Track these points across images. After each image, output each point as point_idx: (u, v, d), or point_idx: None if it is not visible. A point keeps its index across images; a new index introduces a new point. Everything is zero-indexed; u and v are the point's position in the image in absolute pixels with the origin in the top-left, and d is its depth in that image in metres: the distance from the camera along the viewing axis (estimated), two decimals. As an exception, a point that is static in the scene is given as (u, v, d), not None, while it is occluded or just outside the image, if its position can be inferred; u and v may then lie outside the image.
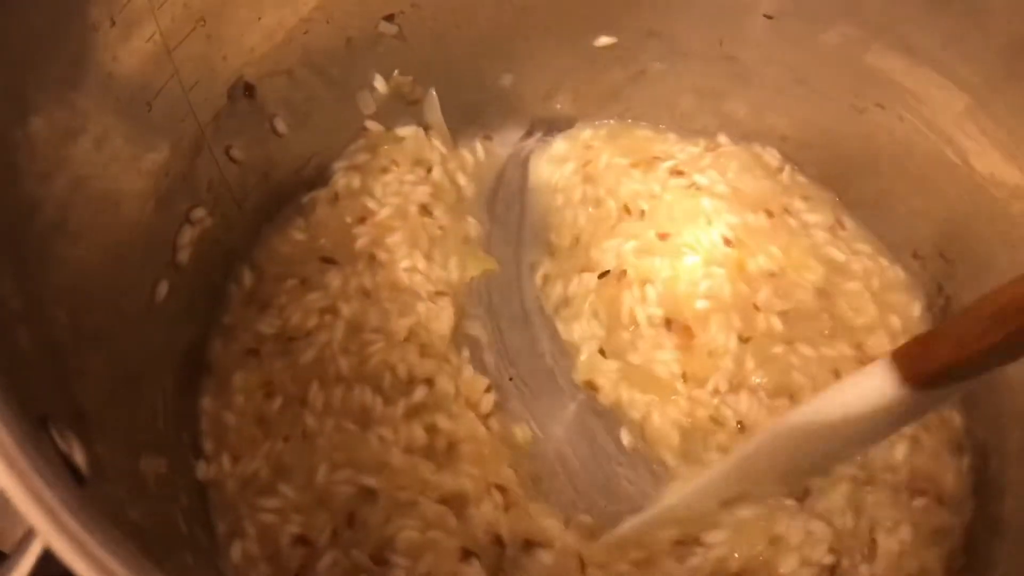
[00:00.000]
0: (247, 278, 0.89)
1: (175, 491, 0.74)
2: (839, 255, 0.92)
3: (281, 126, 0.90)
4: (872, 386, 0.62)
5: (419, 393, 0.83)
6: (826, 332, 0.88)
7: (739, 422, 0.84)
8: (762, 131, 0.98)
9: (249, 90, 0.85)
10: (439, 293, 0.89)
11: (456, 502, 0.78)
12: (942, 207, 0.87)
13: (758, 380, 0.85)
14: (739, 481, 0.76)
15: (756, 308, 0.88)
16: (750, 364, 0.86)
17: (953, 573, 0.80)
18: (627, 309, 0.89)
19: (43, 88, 0.62)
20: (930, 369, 0.59)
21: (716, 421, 0.84)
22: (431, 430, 0.82)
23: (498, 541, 0.77)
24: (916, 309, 0.90)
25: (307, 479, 0.78)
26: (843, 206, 0.96)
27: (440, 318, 0.87)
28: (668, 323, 0.88)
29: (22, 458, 0.43)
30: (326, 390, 0.82)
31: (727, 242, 0.90)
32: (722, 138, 1.00)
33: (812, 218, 0.94)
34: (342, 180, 0.94)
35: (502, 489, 0.80)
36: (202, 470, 0.79)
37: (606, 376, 0.89)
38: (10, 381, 0.47)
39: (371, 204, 0.92)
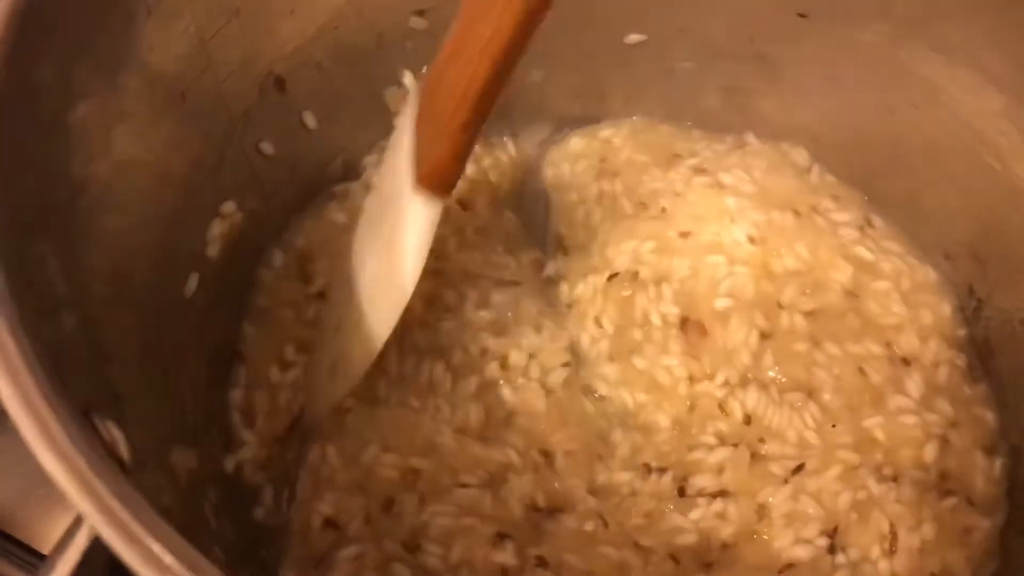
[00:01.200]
0: (280, 259, 0.89)
1: (204, 485, 0.74)
2: (868, 254, 0.90)
3: (310, 121, 0.89)
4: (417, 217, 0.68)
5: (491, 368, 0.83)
6: (854, 330, 0.87)
7: (746, 415, 0.82)
8: (792, 130, 0.97)
9: (280, 84, 0.84)
10: (512, 281, 0.89)
11: (498, 477, 0.78)
12: (975, 207, 0.87)
13: (773, 375, 0.84)
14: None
15: (780, 306, 0.87)
16: (768, 359, 0.85)
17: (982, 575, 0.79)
18: (640, 309, 0.88)
19: (85, 75, 0.62)
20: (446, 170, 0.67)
21: (722, 409, 0.83)
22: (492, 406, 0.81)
23: (535, 508, 0.77)
24: (947, 309, 0.89)
25: (354, 458, 0.78)
26: (873, 205, 0.95)
27: (520, 302, 0.87)
28: (684, 322, 0.86)
29: (70, 446, 0.43)
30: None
31: (751, 240, 0.89)
32: (749, 136, 0.99)
33: (841, 217, 0.93)
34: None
35: (546, 455, 0.80)
36: (231, 462, 0.79)
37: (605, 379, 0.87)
38: (56, 368, 0.46)
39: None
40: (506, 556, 0.74)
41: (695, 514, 0.77)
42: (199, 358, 0.80)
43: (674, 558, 0.75)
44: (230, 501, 0.77)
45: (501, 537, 0.75)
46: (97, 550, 0.44)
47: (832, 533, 0.76)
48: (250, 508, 0.80)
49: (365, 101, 0.93)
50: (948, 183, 0.88)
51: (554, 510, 0.77)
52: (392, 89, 0.95)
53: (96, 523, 0.41)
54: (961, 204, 0.88)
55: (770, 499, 0.77)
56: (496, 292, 0.87)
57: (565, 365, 0.85)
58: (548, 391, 0.83)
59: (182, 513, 0.64)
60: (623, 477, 0.79)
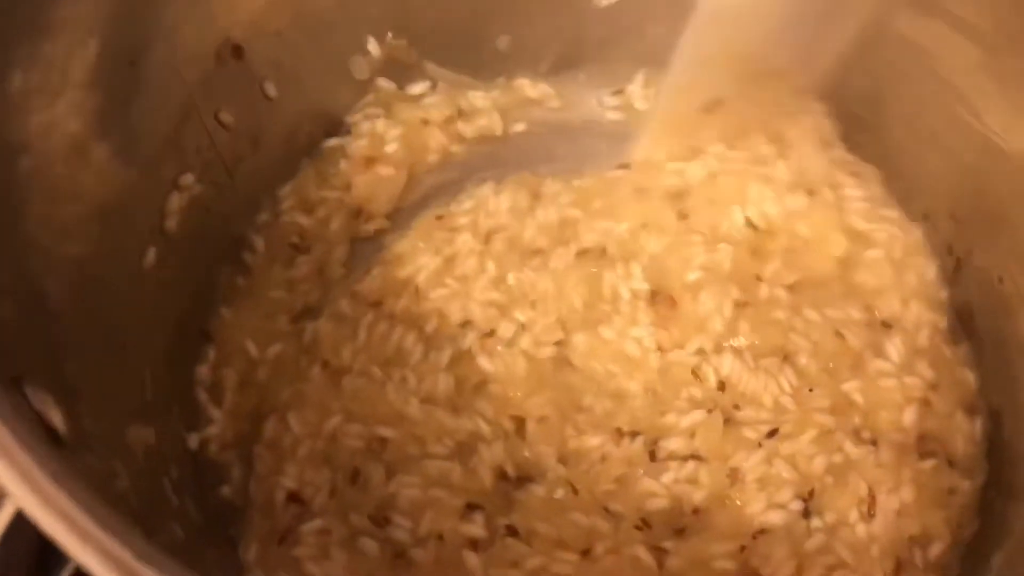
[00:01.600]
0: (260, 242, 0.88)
1: (165, 463, 0.72)
2: (864, 224, 0.88)
3: (271, 90, 0.87)
4: None
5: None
6: (835, 297, 0.85)
7: (720, 381, 0.80)
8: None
9: (238, 51, 0.82)
10: None
11: (467, 446, 0.77)
12: (953, 166, 0.85)
13: (748, 341, 0.82)
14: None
15: (759, 279, 0.85)
16: (743, 327, 0.82)
17: (962, 536, 0.77)
18: (609, 285, 0.85)
19: (21, 38, 0.59)
20: None
21: (695, 375, 0.80)
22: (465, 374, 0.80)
23: (505, 477, 0.76)
24: (931, 271, 0.87)
25: (316, 429, 0.77)
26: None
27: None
28: (653, 295, 0.84)
29: (-7, 417, 0.41)
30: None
31: (749, 223, 0.87)
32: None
33: (854, 193, 0.90)
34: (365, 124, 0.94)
35: (518, 422, 0.78)
36: (194, 439, 0.77)
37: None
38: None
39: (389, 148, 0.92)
40: (475, 527, 0.72)
41: (666, 478, 0.75)
42: (159, 334, 0.78)
43: (645, 523, 0.73)
44: (194, 479, 0.76)
45: (471, 508, 0.73)
46: (22, 529, 0.42)
47: (807, 497, 0.75)
48: (216, 486, 0.78)
49: (329, 70, 0.91)
50: (925, 142, 0.86)
51: (524, 479, 0.76)
52: (357, 58, 0.93)
53: (18, 495, 0.39)
54: (939, 163, 0.86)
55: (743, 463, 0.75)
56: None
57: (558, 344, 0.83)
58: (529, 359, 0.81)
59: (138, 490, 0.62)
60: (594, 442, 0.77)
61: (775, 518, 0.74)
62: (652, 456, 0.77)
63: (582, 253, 0.86)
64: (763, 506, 0.74)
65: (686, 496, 0.74)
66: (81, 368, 0.62)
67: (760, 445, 0.76)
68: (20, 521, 0.42)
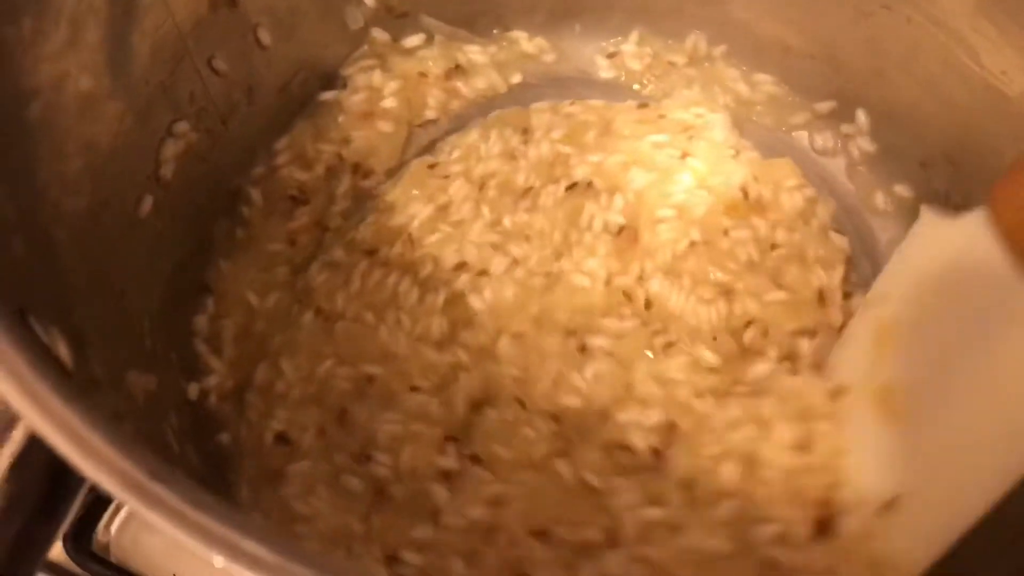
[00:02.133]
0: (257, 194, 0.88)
1: (165, 409, 0.72)
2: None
3: (265, 37, 0.86)
4: None
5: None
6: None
7: (647, 300, 0.81)
8: (765, 41, 0.94)
9: (232, -2, 0.81)
10: None
11: (449, 378, 0.77)
12: (951, 110, 0.84)
13: (689, 269, 0.83)
14: None
15: (725, 234, 0.85)
16: (690, 262, 0.83)
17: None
18: (587, 215, 0.86)
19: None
20: None
21: (626, 295, 0.82)
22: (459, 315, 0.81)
23: (475, 406, 0.76)
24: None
25: (308, 373, 0.77)
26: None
27: None
28: (620, 230, 0.85)
29: (2, 341, 0.41)
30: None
31: (744, 192, 0.87)
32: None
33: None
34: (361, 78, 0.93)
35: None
36: (194, 389, 0.77)
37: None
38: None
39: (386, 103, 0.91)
40: (449, 460, 0.73)
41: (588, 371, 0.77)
42: (156, 283, 0.77)
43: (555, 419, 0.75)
44: (194, 427, 0.76)
45: (447, 440, 0.74)
46: (31, 458, 0.41)
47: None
48: (215, 434, 0.78)
49: (323, 18, 0.90)
50: (923, 86, 0.86)
51: (482, 404, 0.77)
52: (352, 8, 0.92)
53: (31, 418, 0.38)
54: (937, 107, 0.86)
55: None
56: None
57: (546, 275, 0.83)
58: (520, 286, 0.82)
59: (139, 432, 0.62)
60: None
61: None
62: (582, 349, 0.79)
63: (571, 187, 0.87)
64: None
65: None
66: (83, 311, 0.62)
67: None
68: (32, 446, 0.41)
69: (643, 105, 0.94)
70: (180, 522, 0.36)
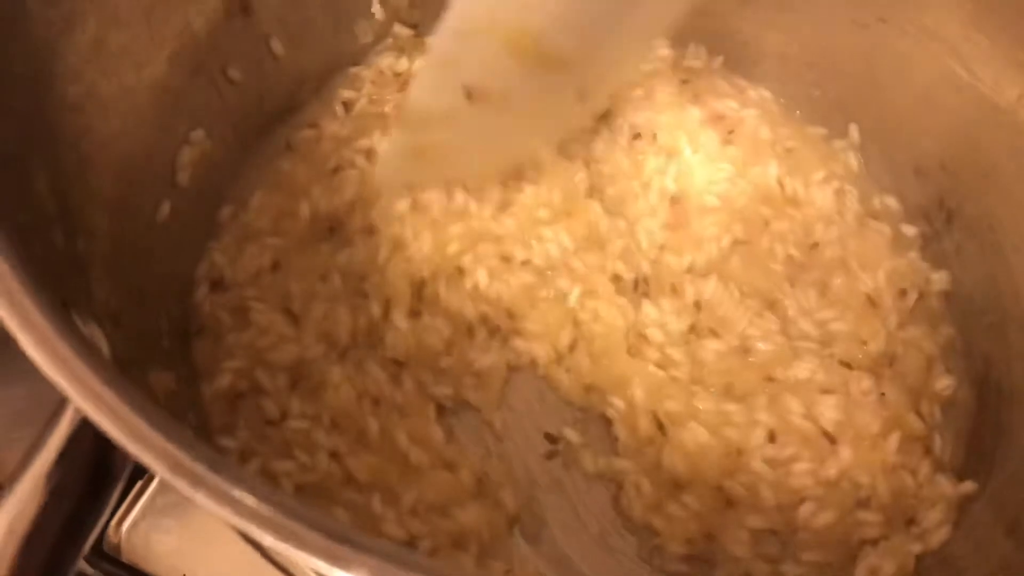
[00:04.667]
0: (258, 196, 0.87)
1: (184, 407, 0.73)
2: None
3: (278, 47, 0.88)
4: None
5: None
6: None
7: (697, 301, 0.84)
8: (762, 51, 0.97)
9: (246, 8, 0.83)
10: None
11: None
12: (944, 118, 0.87)
13: (736, 277, 0.86)
14: None
15: (767, 225, 0.89)
16: (735, 263, 0.87)
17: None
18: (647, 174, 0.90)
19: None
20: None
21: (675, 291, 0.85)
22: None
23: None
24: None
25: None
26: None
27: None
28: (673, 201, 0.89)
29: (52, 333, 0.42)
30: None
31: (780, 184, 0.90)
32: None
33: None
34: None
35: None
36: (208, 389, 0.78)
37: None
38: (40, 268, 0.46)
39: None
40: None
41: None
42: (173, 284, 0.79)
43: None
44: (206, 426, 0.77)
45: None
46: (79, 442, 0.43)
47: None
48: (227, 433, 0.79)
49: (334, 30, 0.92)
50: (919, 97, 0.89)
51: None
52: (362, 21, 0.94)
53: (82, 405, 0.40)
54: (931, 116, 0.88)
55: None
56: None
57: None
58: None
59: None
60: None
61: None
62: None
63: (636, 137, 0.92)
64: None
65: None
66: (108, 309, 0.63)
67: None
68: (75, 438, 0.43)
69: (684, 81, 0.96)
70: (231, 505, 0.38)
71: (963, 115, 0.85)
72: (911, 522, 0.77)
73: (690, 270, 0.86)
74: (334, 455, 0.74)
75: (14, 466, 0.42)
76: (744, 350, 0.82)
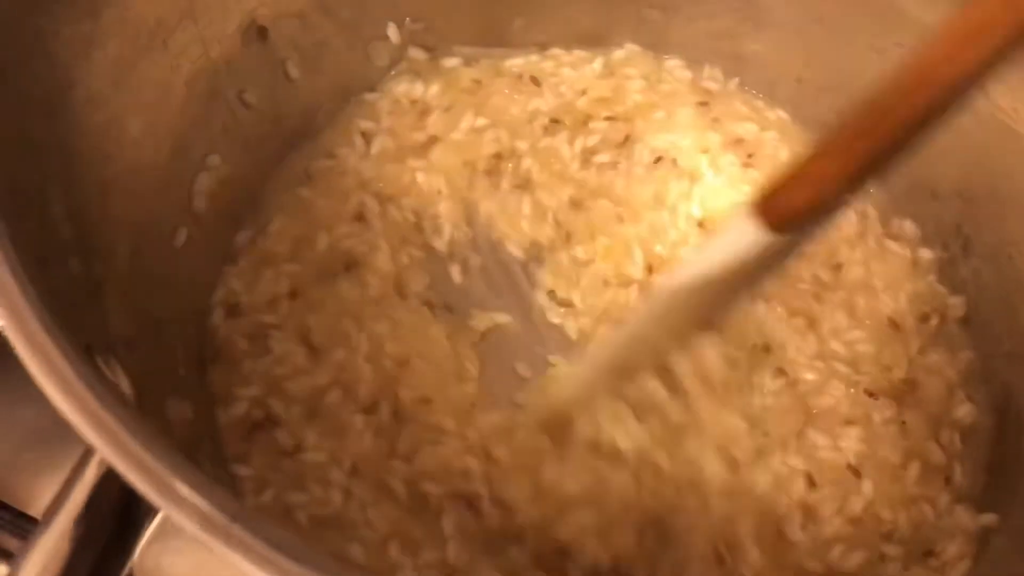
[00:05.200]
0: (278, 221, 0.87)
1: (200, 437, 0.73)
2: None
3: (294, 71, 0.88)
4: (738, 236, 0.59)
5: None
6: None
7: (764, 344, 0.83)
8: (778, 73, 0.97)
9: (262, 33, 0.83)
10: None
11: None
12: (962, 144, 0.86)
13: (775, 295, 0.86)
14: (635, 346, 0.72)
15: None
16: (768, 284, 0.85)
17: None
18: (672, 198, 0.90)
19: (60, 18, 0.60)
20: (790, 213, 0.57)
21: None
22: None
23: None
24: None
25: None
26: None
27: None
28: (701, 224, 0.89)
29: (77, 381, 0.42)
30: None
31: None
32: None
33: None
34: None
35: None
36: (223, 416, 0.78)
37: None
38: (60, 308, 0.45)
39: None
40: None
41: None
42: (188, 312, 0.79)
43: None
44: (220, 454, 0.77)
45: None
46: (105, 488, 0.43)
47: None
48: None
49: (349, 53, 0.92)
50: (935, 122, 0.88)
51: None
52: (377, 44, 0.94)
53: (107, 454, 0.40)
54: (948, 141, 0.85)
55: None
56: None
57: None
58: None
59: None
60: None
61: None
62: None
63: (658, 161, 0.92)
64: None
65: None
66: (126, 342, 0.63)
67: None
68: (102, 484, 0.42)
69: (702, 103, 0.96)
70: (263, 562, 0.37)
71: (980, 141, 0.84)
72: (929, 554, 0.77)
73: None
74: (351, 495, 0.74)
75: (43, 510, 0.42)
76: (793, 382, 0.82)
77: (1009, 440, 0.82)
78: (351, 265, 0.84)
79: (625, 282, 0.85)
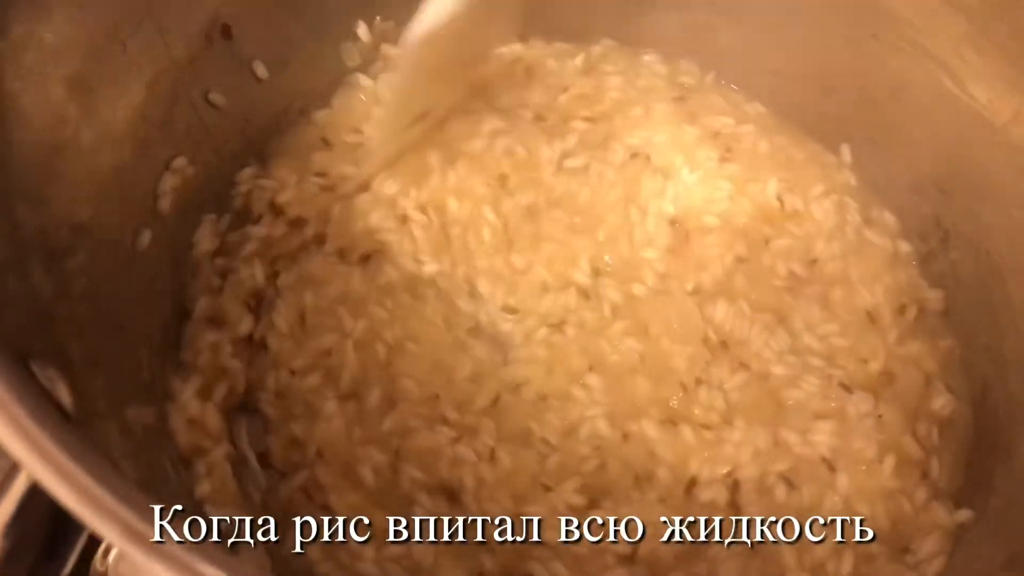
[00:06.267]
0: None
1: (164, 440, 0.72)
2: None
3: (261, 71, 0.87)
4: None
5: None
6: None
7: (721, 340, 0.83)
8: (754, 66, 0.95)
9: (226, 31, 0.82)
10: None
11: None
12: (940, 138, 0.86)
13: (743, 292, 0.85)
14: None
15: (767, 243, 0.88)
16: (740, 281, 0.85)
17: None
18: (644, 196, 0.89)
19: (10, 17, 0.59)
20: None
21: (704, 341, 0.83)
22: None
23: None
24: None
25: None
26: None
27: None
28: (673, 222, 0.88)
29: (3, 390, 0.41)
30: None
31: (780, 201, 0.89)
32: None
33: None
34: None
35: None
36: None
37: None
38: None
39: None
40: None
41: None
42: (155, 316, 0.78)
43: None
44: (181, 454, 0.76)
45: None
46: (35, 501, 0.42)
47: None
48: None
49: (317, 52, 0.91)
50: (912, 114, 0.87)
51: None
52: (348, 45, 0.93)
53: (32, 468, 0.39)
54: (926, 135, 0.87)
55: None
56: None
57: None
58: None
59: (138, 466, 0.63)
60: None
61: None
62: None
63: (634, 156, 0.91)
64: None
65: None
66: (82, 348, 0.62)
67: None
68: (33, 493, 0.41)
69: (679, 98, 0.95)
70: (183, 570, 0.36)
71: (957, 133, 0.84)
72: (906, 551, 0.76)
73: (696, 292, 0.85)
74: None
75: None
76: (763, 376, 0.81)
77: (986, 433, 0.81)
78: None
79: (565, 285, 0.84)
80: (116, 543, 0.37)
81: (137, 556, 0.37)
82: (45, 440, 0.40)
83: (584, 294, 0.84)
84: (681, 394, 0.79)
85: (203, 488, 0.71)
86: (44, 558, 0.42)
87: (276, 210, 0.86)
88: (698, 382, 0.79)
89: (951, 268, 0.88)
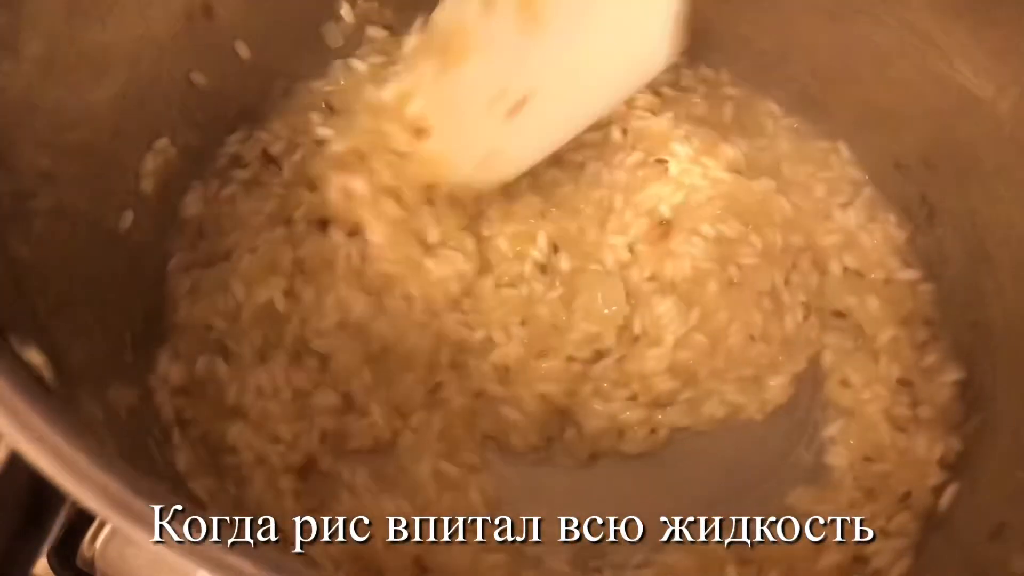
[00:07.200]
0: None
1: (148, 423, 0.72)
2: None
3: (243, 50, 0.86)
4: None
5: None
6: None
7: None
8: (735, 45, 0.95)
9: (207, 10, 0.81)
10: None
11: None
12: (925, 112, 0.85)
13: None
14: None
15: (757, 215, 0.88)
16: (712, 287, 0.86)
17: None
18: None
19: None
20: None
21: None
22: None
23: None
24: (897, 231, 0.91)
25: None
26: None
27: None
28: (661, 222, 0.88)
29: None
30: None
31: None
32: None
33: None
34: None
35: None
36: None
37: None
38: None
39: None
40: None
41: None
42: (137, 298, 0.77)
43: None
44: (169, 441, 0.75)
45: None
46: (13, 471, 0.41)
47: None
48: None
49: (300, 31, 0.90)
50: (897, 90, 0.87)
51: None
52: (330, 25, 0.92)
53: (11, 437, 0.38)
54: (911, 110, 0.87)
55: None
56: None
57: None
58: None
59: (122, 447, 0.62)
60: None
61: None
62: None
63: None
64: None
65: None
66: (64, 327, 0.62)
67: None
68: (13, 464, 0.41)
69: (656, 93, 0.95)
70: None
71: (943, 109, 0.83)
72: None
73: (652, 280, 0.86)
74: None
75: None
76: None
77: (973, 408, 0.81)
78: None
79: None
80: (98, 511, 0.37)
81: (121, 524, 0.37)
82: (25, 409, 0.40)
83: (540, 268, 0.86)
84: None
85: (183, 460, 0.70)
86: (23, 534, 0.42)
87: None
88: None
89: (937, 244, 0.88)
